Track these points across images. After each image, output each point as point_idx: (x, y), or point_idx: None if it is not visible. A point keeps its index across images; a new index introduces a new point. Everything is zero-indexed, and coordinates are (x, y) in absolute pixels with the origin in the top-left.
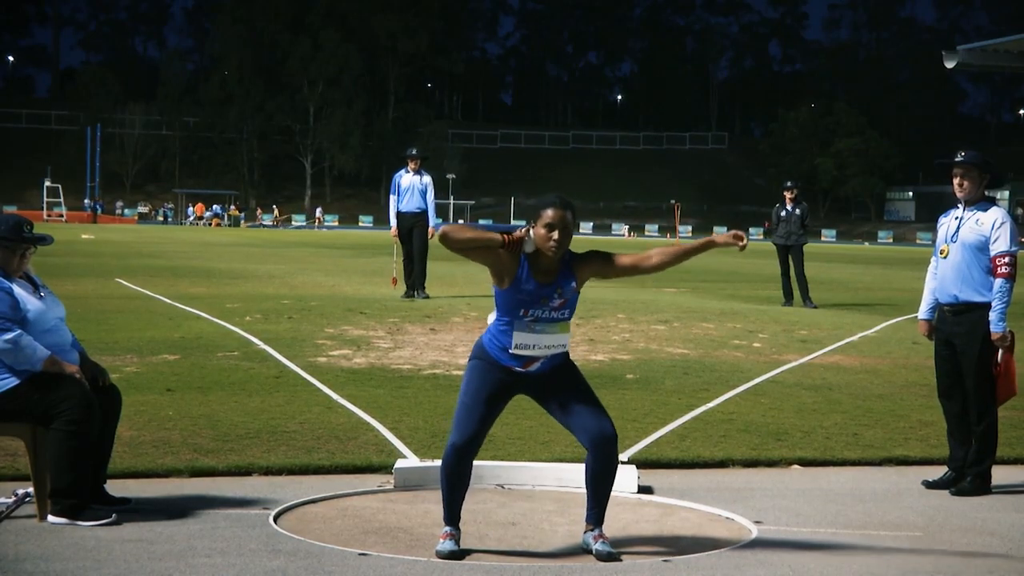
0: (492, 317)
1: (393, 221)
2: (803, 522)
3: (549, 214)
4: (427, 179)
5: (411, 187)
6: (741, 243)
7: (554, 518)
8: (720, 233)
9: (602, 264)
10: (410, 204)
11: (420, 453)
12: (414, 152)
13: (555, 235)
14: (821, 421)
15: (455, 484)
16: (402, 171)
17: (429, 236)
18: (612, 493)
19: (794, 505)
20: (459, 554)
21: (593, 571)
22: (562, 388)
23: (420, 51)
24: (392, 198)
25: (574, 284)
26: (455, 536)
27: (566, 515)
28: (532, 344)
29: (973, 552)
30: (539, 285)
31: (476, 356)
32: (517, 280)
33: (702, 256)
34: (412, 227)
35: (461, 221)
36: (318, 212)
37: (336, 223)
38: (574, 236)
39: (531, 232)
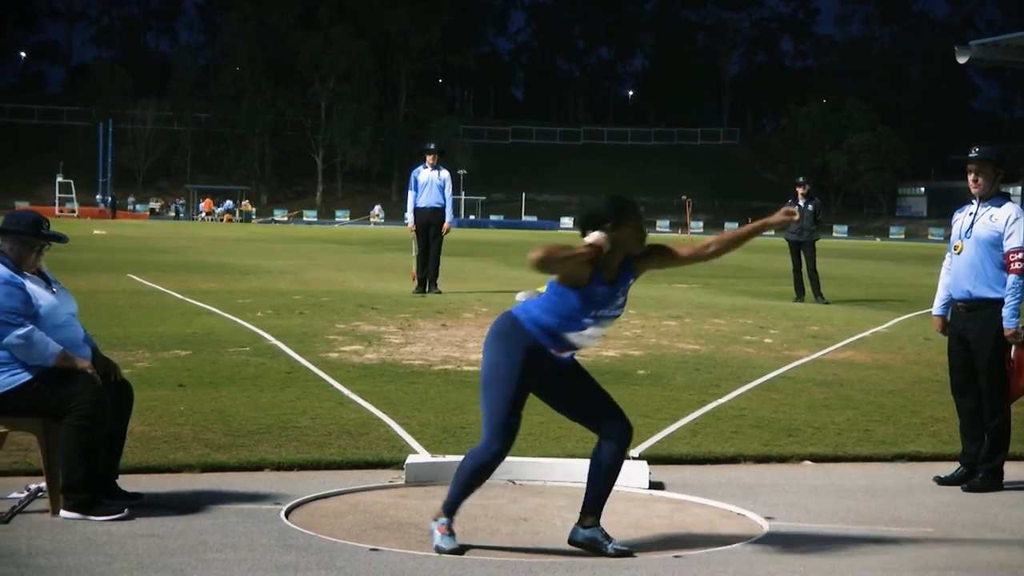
0: (523, 296)
1: (410, 216)
2: (814, 518)
3: (640, 213)
4: (445, 174)
5: (429, 182)
6: (794, 217)
7: (565, 514)
8: (773, 216)
9: (662, 259)
10: (428, 199)
11: (431, 449)
12: (432, 147)
13: (644, 231)
14: (833, 417)
15: (477, 485)
16: (420, 166)
17: (444, 232)
18: (623, 489)
19: (805, 501)
20: (460, 549)
21: (604, 566)
22: (577, 380)
23: (431, 46)
24: (410, 193)
25: (632, 280)
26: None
27: (577, 511)
28: (591, 336)
29: (985, 548)
30: (608, 286)
31: (507, 335)
32: (592, 284)
33: None
34: (429, 223)
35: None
36: (375, 209)
37: (347, 219)
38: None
39: (608, 235)
